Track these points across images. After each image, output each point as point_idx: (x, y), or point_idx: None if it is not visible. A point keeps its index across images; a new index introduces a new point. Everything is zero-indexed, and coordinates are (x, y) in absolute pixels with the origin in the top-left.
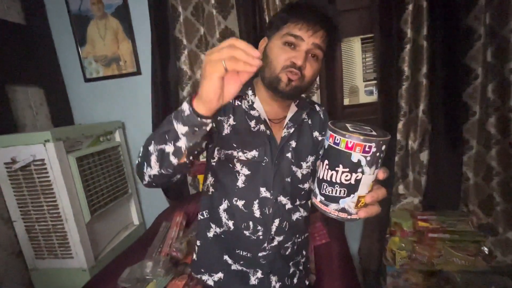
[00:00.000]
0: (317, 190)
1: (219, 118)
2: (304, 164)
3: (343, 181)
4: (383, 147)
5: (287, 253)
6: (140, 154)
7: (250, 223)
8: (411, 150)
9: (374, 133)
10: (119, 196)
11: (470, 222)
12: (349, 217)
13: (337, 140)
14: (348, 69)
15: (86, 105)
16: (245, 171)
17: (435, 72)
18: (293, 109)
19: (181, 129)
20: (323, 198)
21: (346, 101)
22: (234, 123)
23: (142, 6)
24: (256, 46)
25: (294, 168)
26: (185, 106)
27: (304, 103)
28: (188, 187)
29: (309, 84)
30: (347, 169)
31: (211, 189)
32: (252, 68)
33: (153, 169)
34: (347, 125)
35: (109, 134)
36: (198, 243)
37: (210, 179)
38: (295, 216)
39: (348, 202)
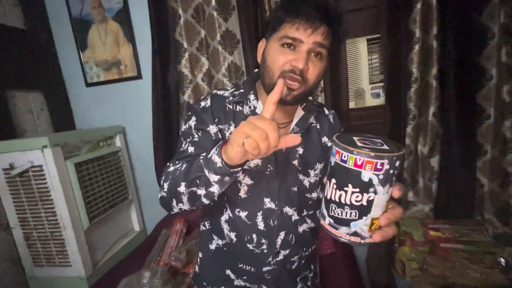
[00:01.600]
0: (325, 211)
1: (220, 126)
2: (312, 172)
3: (354, 202)
4: (397, 163)
5: (293, 267)
6: (165, 190)
7: (254, 235)
8: (421, 156)
9: (385, 147)
10: (119, 202)
11: (485, 232)
12: (362, 241)
13: (344, 157)
14: (354, 71)
15: (87, 109)
16: (248, 180)
17: (446, 73)
18: (299, 113)
19: (213, 177)
20: (332, 221)
21: (351, 104)
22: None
23: (142, 10)
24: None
25: (301, 177)
26: (216, 159)
27: (311, 106)
28: None
29: (314, 87)
30: (358, 189)
31: None
32: (261, 156)
33: (185, 205)
34: (355, 139)
35: (109, 139)
36: (200, 255)
37: None
38: (302, 228)
39: (361, 225)
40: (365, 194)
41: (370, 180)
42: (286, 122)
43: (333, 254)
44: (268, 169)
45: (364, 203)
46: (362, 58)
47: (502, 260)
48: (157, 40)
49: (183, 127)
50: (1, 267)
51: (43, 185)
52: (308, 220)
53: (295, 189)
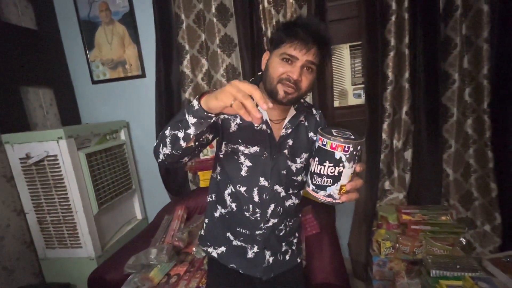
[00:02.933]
0: (309, 181)
1: (226, 117)
2: (298, 160)
3: (329, 173)
4: (359, 147)
5: (281, 234)
6: (157, 140)
7: (250, 206)
8: (396, 149)
9: (352, 136)
10: (124, 191)
11: (450, 216)
12: (334, 201)
13: (324, 142)
14: (338, 74)
15: (92, 105)
16: (248, 163)
17: (416, 77)
18: (292, 112)
19: (191, 120)
20: (314, 187)
21: (336, 103)
22: (240, 122)
23: (147, 14)
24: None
25: (289, 163)
26: (195, 103)
27: (302, 107)
28: (189, 184)
29: (306, 93)
30: (332, 164)
31: (218, 177)
32: (248, 119)
33: (167, 148)
34: (333, 130)
35: (114, 132)
36: (206, 221)
37: (218, 169)
38: (288, 203)
39: (333, 190)
40: (337, 168)
41: (340, 158)
42: (280, 119)
43: (318, 235)
44: (264, 155)
45: (336, 174)
46: (345, 62)
47: (463, 239)
48: (161, 43)
49: None
50: (15, 250)
51: (58, 173)
52: (293, 197)
53: (284, 172)
